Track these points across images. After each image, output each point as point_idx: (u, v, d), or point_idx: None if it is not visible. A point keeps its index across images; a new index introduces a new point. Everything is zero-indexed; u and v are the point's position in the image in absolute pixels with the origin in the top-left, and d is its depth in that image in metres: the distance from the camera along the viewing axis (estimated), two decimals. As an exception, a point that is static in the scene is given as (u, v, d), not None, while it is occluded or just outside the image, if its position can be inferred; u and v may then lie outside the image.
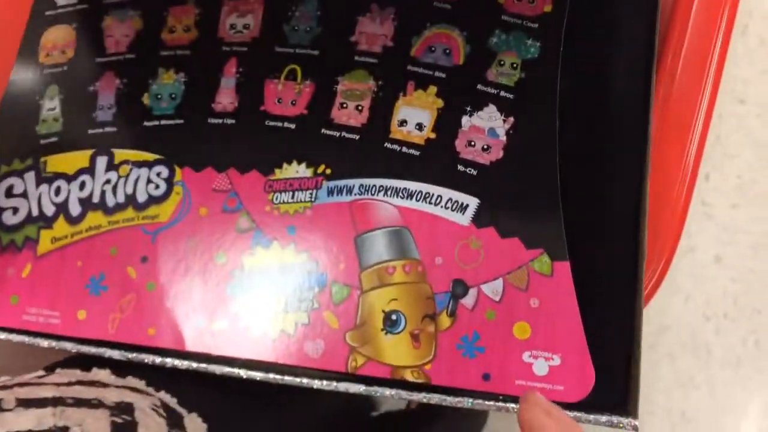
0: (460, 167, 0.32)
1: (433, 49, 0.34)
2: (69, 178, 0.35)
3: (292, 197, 0.33)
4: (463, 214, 0.31)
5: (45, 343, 0.34)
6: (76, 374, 0.32)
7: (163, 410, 0.29)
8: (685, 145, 0.35)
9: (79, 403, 0.27)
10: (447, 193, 0.32)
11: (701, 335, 0.54)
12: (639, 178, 0.31)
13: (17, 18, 0.39)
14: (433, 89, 0.33)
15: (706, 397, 0.54)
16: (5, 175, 0.36)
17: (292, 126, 0.34)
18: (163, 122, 0.35)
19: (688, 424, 0.54)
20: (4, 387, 0.27)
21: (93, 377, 0.32)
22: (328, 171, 0.33)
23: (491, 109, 0.32)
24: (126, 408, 0.28)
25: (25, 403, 0.26)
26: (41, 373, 0.32)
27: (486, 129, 0.32)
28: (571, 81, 0.32)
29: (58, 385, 0.29)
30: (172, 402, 0.31)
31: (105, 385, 0.30)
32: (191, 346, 0.32)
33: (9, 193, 0.36)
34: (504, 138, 0.32)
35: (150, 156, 0.35)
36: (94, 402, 0.27)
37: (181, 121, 0.35)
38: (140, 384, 0.32)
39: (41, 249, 0.35)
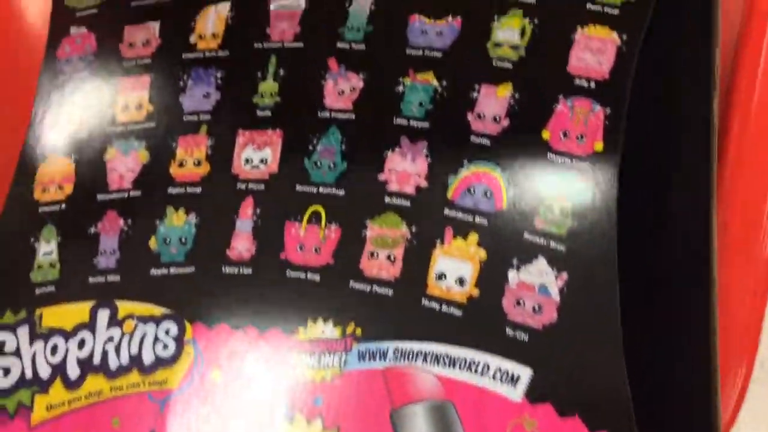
0: (509, 331, 0.28)
1: (472, 190, 0.30)
2: (67, 335, 0.32)
3: (319, 362, 0.29)
4: (515, 387, 0.28)
5: None
6: None
7: None
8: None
9: None
10: (495, 361, 0.28)
11: None
12: (708, 329, 0.28)
13: (9, 147, 0.36)
14: (474, 237, 0.30)
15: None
16: (-4, 329, 0.32)
17: (317, 277, 0.30)
18: (172, 270, 0.32)
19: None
20: None
21: None
22: (359, 331, 0.29)
23: (541, 262, 0.29)
24: None
25: None
26: None
27: (537, 286, 0.29)
28: (625, 226, 0.29)
29: None
30: None
31: None
32: None
33: (0, 350, 0.32)
34: (557, 297, 0.28)
35: (157, 310, 0.31)
36: None
37: (192, 270, 0.32)
38: None
39: (36, 418, 0.31)
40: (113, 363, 0.31)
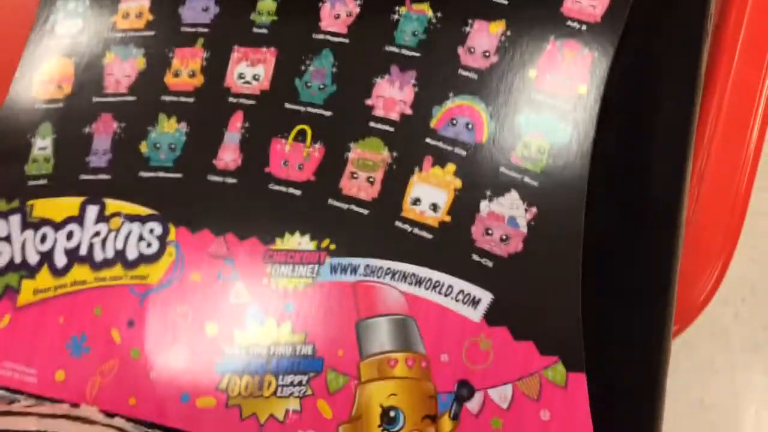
0: (475, 257, 0.30)
1: (454, 122, 0.31)
2: (56, 226, 0.33)
3: (293, 271, 0.31)
4: (475, 309, 0.29)
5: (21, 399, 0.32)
6: (64, 408, 0.31)
7: None
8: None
9: None
10: (459, 284, 0.29)
11: (720, 321, 0.52)
12: (668, 275, 0.30)
13: (12, 45, 0.36)
14: (451, 167, 0.31)
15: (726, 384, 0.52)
16: (-11, 215, 0.34)
17: (298, 192, 0.32)
18: (160, 174, 0.33)
19: (706, 412, 0.52)
20: None
21: (81, 413, 0.30)
22: (333, 246, 0.31)
23: (513, 195, 0.30)
24: None
25: None
26: (31, 401, 0.31)
27: (506, 217, 0.30)
28: (599, 167, 0.30)
29: (42, 416, 0.28)
30: None
31: (92, 423, 0.29)
32: (173, 421, 0.30)
33: (-9, 236, 0.34)
34: (525, 229, 0.29)
35: (144, 210, 0.33)
36: None
37: (180, 176, 0.33)
38: (128, 425, 0.30)
39: (22, 300, 0.33)
40: (98, 255, 0.32)
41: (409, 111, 0.32)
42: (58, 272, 0.33)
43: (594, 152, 0.30)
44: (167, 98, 0.34)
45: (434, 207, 0.30)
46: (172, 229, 0.32)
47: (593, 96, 0.30)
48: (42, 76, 0.36)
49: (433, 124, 0.31)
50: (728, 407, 0.52)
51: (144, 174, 0.33)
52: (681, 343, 0.53)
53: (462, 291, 0.29)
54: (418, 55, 0.32)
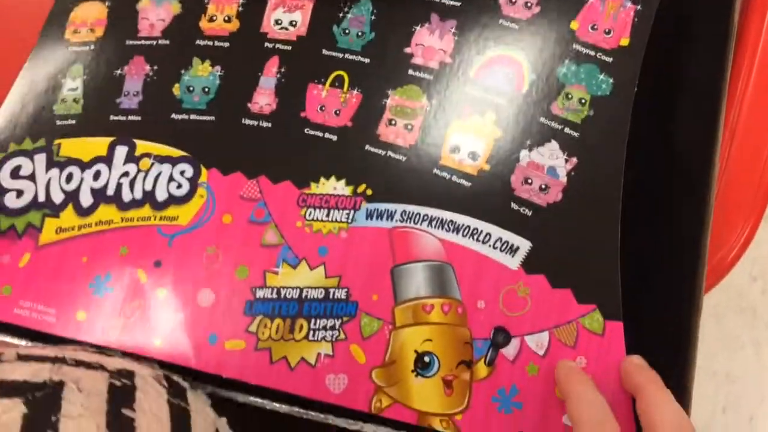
0: (514, 205, 0.29)
1: (494, 71, 0.31)
2: (83, 166, 0.32)
3: (327, 215, 0.30)
4: (513, 256, 0.29)
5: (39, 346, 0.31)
6: (80, 350, 0.30)
7: (166, 381, 0.27)
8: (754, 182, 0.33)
9: (79, 363, 0.26)
10: (497, 231, 0.29)
11: (748, 296, 0.52)
12: (701, 229, 0.29)
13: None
14: (491, 116, 0.30)
15: (752, 358, 0.52)
16: (13, 153, 0.33)
17: (334, 138, 0.31)
18: (192, 117, 0.32)
19: (731, 385, 0.51)
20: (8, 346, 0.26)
21: (95, 358, 0.29)
22: (369, 192, 0.30)
23: (553, 145, 0.30)
24: (127, 374, 0.26)
25: (25, 358, 0.25)
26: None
27: (546, 167, 0.30)
28: (638, 121, 0.30)
29: (62, 347, 0.27)
30: (177, 377, 0.29)
31: (110, 355, 0.28)
32: (201, 364, 0.29)
33: (15, 174, 0.33)
34: (564, 179, 0.29)
35: (175, 152, 0.32)
36: (95, 365, 0.26)
37: (213, 118, 0.32)
38: (144, 369, 0.29)
39: (44, 239, 0.32)
40: (126, 196, 0.32)
41: (448, 60, 0.31)
42: (83, 212, 0.32)
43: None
44: (202, 42, 0.33)
45: (473, 155, 0.30)
46: (204, 171, 0.31)
47: (636, 49, 0.30)
48: (74, 20, 0.35)
49: (472, 73, 0.31)
50: (753, 381, 0.52)
51: (176, 116, 0.32)
52: (708, 316, 0.53)
53: (500, 239, 0.29)
54: (458, 4, 0.32)
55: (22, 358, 0.25)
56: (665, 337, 0.28)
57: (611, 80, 0.30)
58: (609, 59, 0.30)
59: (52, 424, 0.22)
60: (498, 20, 0.31)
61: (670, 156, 0.30)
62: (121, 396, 0.24)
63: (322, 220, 0.30)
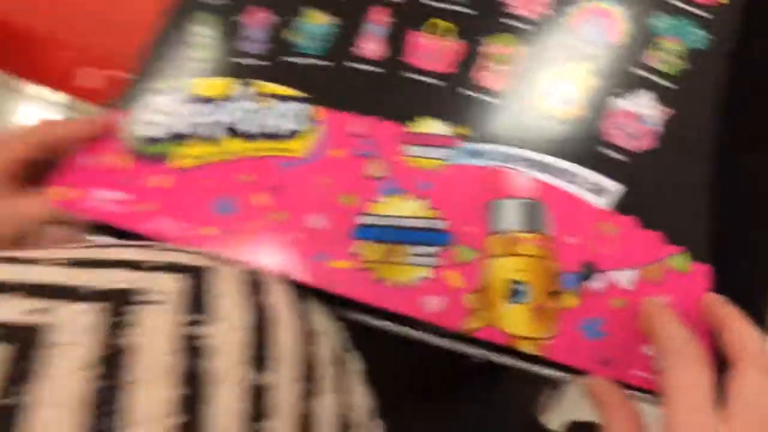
0: (605, 150, 0.31)
1: (592, 22, 0.33)
2: (212, 102, 0.36)
3: (428, 153, 0.33)
4: (604, 198, 0.31)
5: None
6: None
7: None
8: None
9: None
10: (589, 174, 0.31)
11: None
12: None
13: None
14: (586, 64, 0.32)
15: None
16: (157, 92, 0.37)
17: (436, 82, 0.34)
18: (309, 61, 0.36)
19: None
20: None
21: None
22: (468, 132, 0.33)
23: (646, 95, 0.31)
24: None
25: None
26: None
27: (639, 115, 0.31)
28: (734, 78, 0.31)
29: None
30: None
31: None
32: (309, 277, 0.33)
33: (158, 109, 0.37)
34: (657, 128, 0.31)
35: (293, 92, 0.35)
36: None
37: (327, 63, 0.35)
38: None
39: (180, 164, 0.36)
40: (250, 129, 0.35)
41: (546, 10, 0.33)
42: (212, 143, 0.36)
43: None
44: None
45: (567, 101, 0.32)
46: (319, 110, 0.35)
47: (735, 6, 0.31)
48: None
49: (569, 23, 0.33)
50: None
51: (294, 60, 0.36)
52: None
53: (591, 180, 0.31)
54: (560, -41, 0.34)
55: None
56: (751, 283, 0.30)
57: (708, 36, 0.31)
58: (706, 15, 0.31)
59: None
60: (599, -25, 0.33)
61: (763, 110, 0.31)
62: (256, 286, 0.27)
63: (423, 157, 0.33)
